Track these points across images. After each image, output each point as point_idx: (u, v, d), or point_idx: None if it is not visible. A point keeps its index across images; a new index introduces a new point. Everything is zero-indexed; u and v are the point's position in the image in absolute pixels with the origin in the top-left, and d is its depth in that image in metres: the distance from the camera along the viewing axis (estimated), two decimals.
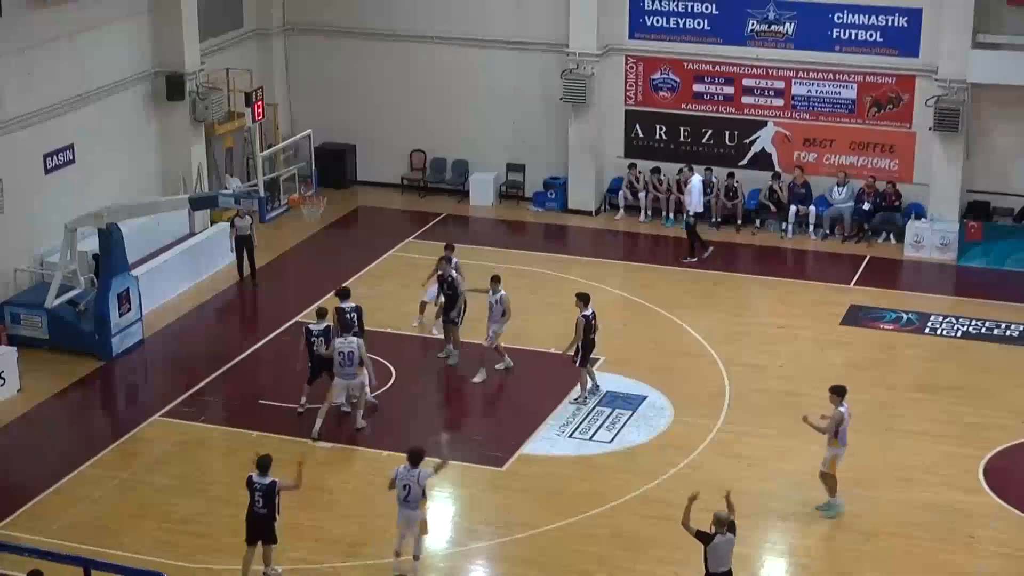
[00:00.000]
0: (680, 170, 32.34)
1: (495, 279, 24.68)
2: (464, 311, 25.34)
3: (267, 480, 18.37)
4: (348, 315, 23.78)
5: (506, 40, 33.34)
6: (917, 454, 22.32)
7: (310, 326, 23.47)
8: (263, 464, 18.45)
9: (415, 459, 18.82)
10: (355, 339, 22.82)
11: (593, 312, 23.87)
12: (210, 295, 28.78)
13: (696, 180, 30.80)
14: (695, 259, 30.35)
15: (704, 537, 17.35)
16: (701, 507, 20.62)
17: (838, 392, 20.35)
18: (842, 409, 20.20)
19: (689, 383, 24.74)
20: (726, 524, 17.33)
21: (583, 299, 23.89)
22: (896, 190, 31.35)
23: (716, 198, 32.26)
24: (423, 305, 26.72)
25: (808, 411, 23.55)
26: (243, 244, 29.08)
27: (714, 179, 32.25)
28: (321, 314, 23.62)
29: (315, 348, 23.24)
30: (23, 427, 23.52)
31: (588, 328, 23.65)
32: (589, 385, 24.11)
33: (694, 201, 30.53)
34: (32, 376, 24.79)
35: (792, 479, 21.60)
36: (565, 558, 19.59)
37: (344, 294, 24.31)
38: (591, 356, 24.01)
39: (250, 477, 18.50)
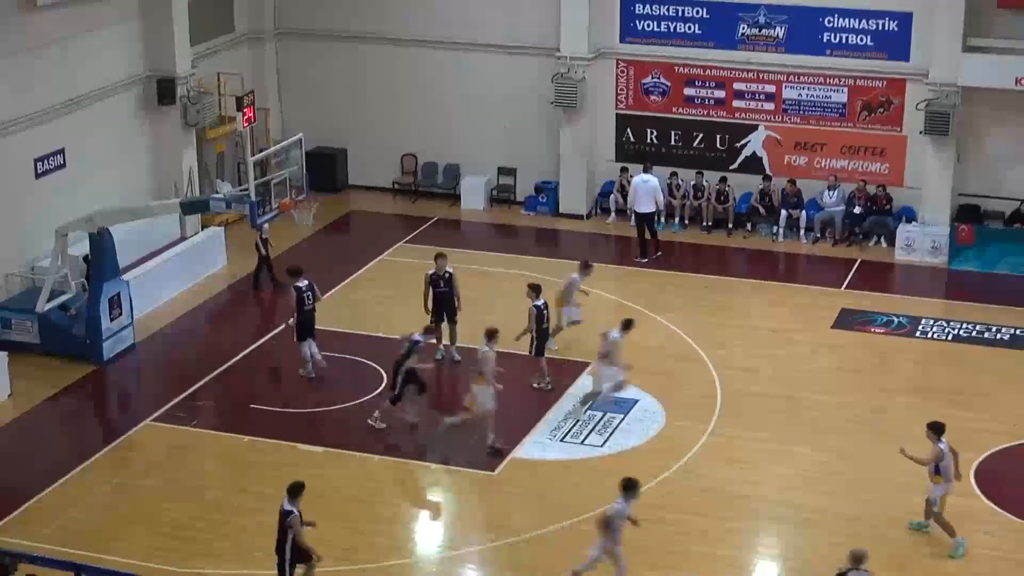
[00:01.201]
0: (672, 173, 32.53)
1: (626, 322, 23.88)
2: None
3: (287, 507, 17.88)
4: (304, 293, 24.73)
5: (497, 44, 33.34)
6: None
7: (414, 336, 23.29)
8: (290, 489, 17.98)
9: (627, 489, 18.35)
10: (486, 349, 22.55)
11: (545, 303, 24.37)
12: (201, 299, 28.76)
13: (637, 180, 31.01)
14: (644, 259, 30.74)
15: None
16: (698, 511, 20.68)
17: (936, 429, 19.65)
18: (941, 446, 19.53)
19: (680, 387, 24.75)
20: (862, 559, 17.04)
21: (535, 290, 24.44)
22: (887, 194, 31.39)
23: (708, 202, 32.34)
24: (560, 328, 25.93)
25: (802, 414, 23.70)
26: (267, 248, 29.09)
27: (705, 183, 32.32)
28: (427, 331, 23.53)
29: (404, 364, 23.01)
30: (14, 432, 23.45)
31: (540, 318, 24.15)
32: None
33: (631, 199, 30.98)
34: (23, 381, 24.74)
35: (784, 483, 21.62)
36: (558, 562, 19.54)
37: (296, 272, 24.97)
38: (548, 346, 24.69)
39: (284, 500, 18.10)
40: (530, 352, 24.40)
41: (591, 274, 26.27)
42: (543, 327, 24.28)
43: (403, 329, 26.08)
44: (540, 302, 24.30)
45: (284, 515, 17.91)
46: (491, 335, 22.61)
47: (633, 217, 31.39)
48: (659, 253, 30.87)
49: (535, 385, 24.51)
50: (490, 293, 27.99)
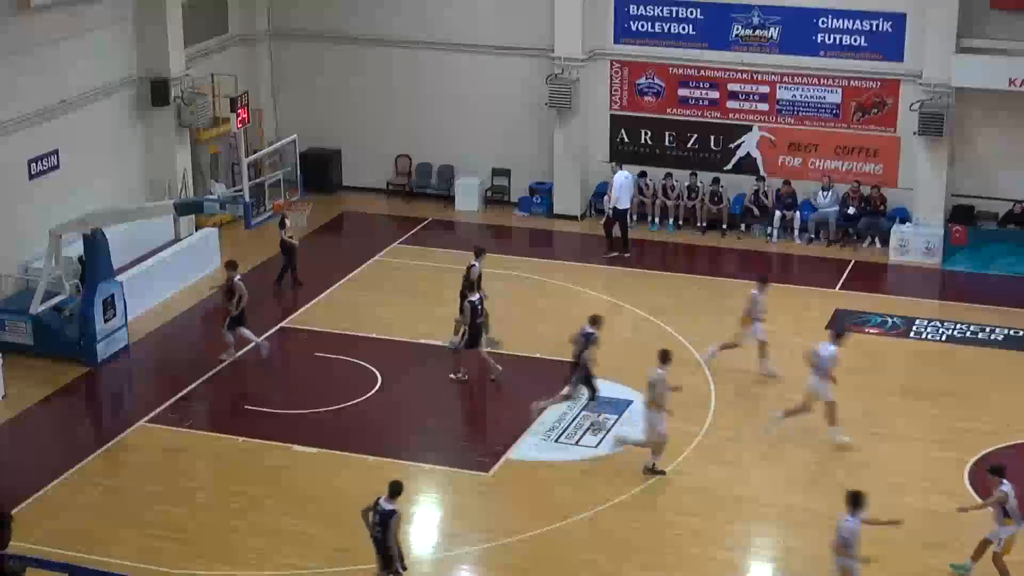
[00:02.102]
0: (666, 174, 32.58)
1: (837, 335, 23.02)
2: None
3: (388, 507, 17.54)
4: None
5: (491, 45, 33.34)
6: (902, 459, 22.36)
7: (587, 329, 23.36)
8: (393, 490, 17.65)
9: (853, 502, 17.93)
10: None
11: (479, 298, 24.72)
12: (195, 301, 28.73)
13: (620, 176, 31.16)
14: (615, 254, 30.89)
15: None
16: (691, 512, 20.69)
17: (997, 472, 19.08)
18: (1004, 488, 18.95)
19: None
20: None
21: (470, 288, 25.09)
22: (881, 194, 31.41)
23: (702, 203, 32.36)
24: (762, 346, 25.29)
25: (796, 415, 23.67)
26: (289, 251, 29.17)
27: (699, 184, 32.34)
28: (594, 321, 23.50)
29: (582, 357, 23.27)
30: (7, 434, 23.43)
31: (474, 313, 24.53)
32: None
33: (616, 196, 31.06)
34: (16, 382, 24.72)
35: (778, 483, 21.62)
36: (551, 564, 19.58)
37: (232, 266, 25.76)
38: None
39: (377, 499, 17.66)
40: (460, 344, 24.89)
41: (769, 289, 25.65)
42: (477, 321, 24.56)
43: (400, 330, 26.16)
44: (475, 297, 24.70)
45: (387, 515, 17.49)
46: (665, 357, 21.93)
47: (612, 213, 31.31)
48: (615, 253, 31.12)
49: (452, 376, 24.88)
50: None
